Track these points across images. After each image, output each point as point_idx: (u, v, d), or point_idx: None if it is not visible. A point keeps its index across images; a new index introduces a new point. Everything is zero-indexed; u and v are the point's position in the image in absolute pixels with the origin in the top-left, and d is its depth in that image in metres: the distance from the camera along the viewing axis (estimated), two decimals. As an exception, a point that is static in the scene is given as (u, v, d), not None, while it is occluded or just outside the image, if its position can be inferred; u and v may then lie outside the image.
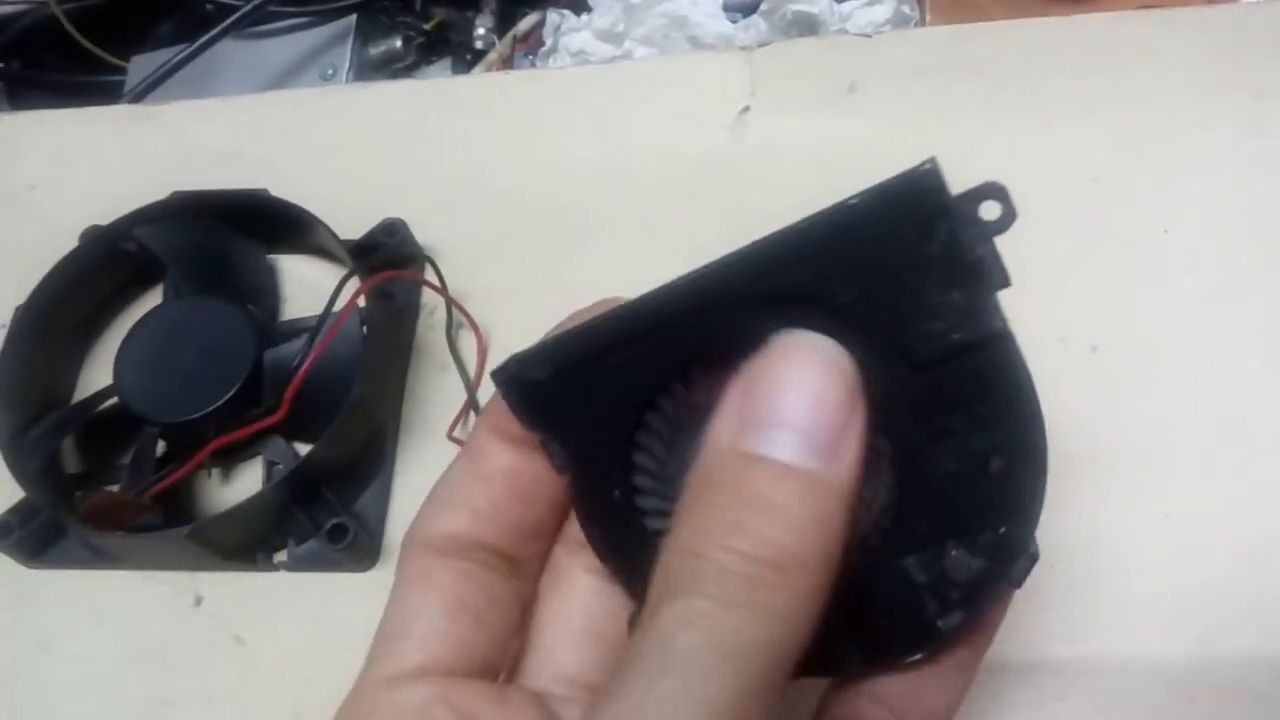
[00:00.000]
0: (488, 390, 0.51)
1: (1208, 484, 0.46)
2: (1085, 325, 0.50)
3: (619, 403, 0.31)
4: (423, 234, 0.55)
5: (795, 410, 0.26)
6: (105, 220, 0.56)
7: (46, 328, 0.54)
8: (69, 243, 0.56)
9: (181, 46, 0.74)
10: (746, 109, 0.57)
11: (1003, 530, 0.29)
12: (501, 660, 0.30)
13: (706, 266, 0.30)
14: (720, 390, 0.28)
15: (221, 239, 0.55)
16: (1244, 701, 0.43)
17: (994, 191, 0.29)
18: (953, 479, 0.29)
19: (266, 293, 0.55)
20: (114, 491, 0.50)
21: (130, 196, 0.56)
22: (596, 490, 0.31)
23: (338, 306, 0.50)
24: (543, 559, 0.32)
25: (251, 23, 0.75)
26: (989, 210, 0.29)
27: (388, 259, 0.53)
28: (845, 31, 0.63)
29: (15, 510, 0.50)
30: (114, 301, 0.58)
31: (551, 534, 0.33)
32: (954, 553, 0.29)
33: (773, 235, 0.30)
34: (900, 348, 0.28)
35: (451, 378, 0.53)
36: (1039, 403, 0.29)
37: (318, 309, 0.52)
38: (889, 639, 0.30)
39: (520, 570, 0.32)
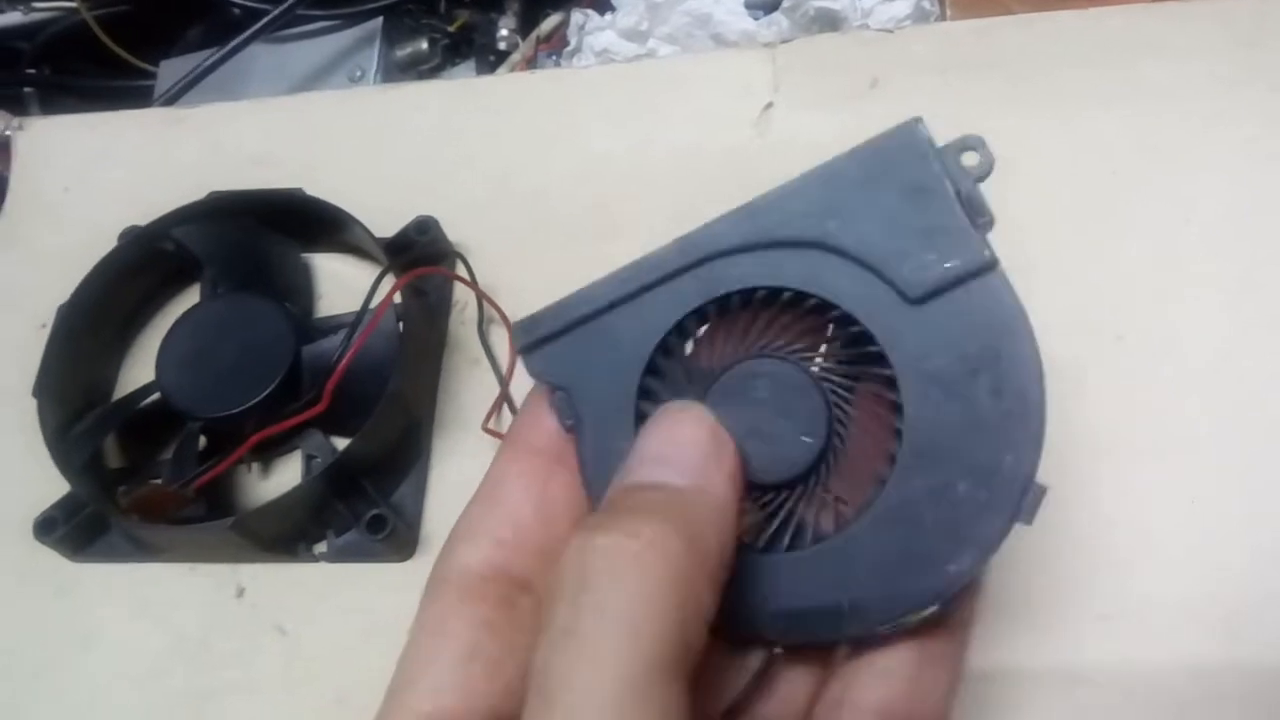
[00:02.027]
0: (520, 382, 0.52)
1: (1232, 470, 0.47)
2: (1110, 314, 0.50)
3: (626, 357, 0.33)
4: (452, 232, 0.56)
5: (656, 450, 0.30)
6: (141, 222, 0.57)
7: (88, 326, 0.56)
8: (104, 244, 0.57)
9: (211, 51, 0.75)
10: (770, 105, 0.58)
11: (1008, 460, 0.30)
12: (515, 710, 0.28)
13: (710, 222, 0.33)
14: (722, 346, 0.32)
15: (257, 238, 0.56)
16: (1271, 685, 0.44)
17: (974, 142, 0.32)
18: (956, 419, 0.30)
19: (302, 290, 0.57)
20: (158, 484, 0.51)
21: (163, 198, 0.58)
22: (602, 446, 0.32)
23: (374, 303, 0.51)
24: None
25: (279, 26, 0.75)
26: (970, 158, 0.32)
27: (420, 256, 0.54)
28: (867, 27, 0.64)
29: (60, 505, 0.51)
30: (153, 300, 0.59)
31: None
32: (962, 487, 0.30)
33: (772, 191, 0.33)
34: (899, 283, 0.31)
35: (484, 371, 0.54)
36: (1033, 333, 0.31)
37: (351, 306, 0.53)
38: (899, 593, 0.30)
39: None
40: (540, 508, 0.32)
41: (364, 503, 0.49)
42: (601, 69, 0.68)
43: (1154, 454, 0.48)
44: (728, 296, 0.32)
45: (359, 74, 0.76)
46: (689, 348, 0.34)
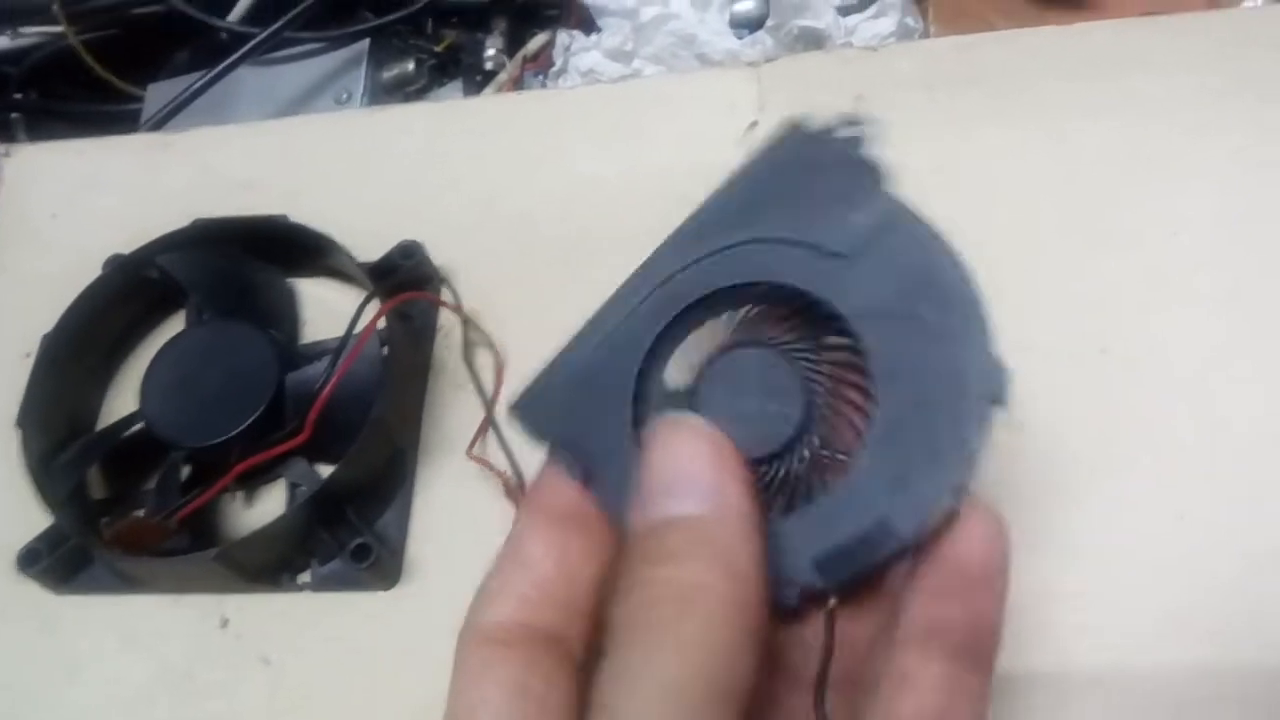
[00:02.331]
0: (506, 407, 0.52)
1: (1219, 485, 0.47)
2: (1095, 328, 0.50)
3: (613, 393, 0.36)
4: (437, 255, 0.56)
5: (665, 478, 0.31)
6: (127, 248, 0.57)
7: (72, 355, 0.55)
8: (91, 271, 0.57)
9: (198, 74, 0.75)
10: (755, 124, 0.58)
11: (969, 356, 0.33)
12: None
13: (654, 253, 0.37)
14: (696, 354, 0.35)
15: (242, 265, 0.56)
16: (1260, 702, 0.43)
17: (852, 118, 0.38)
18: (914, 341, 0.33)
19: (287, 316, 0.56)
20: (140, 516, 0.51)
21: (150, 224, 0.57)
22: (616, 481, 0.34)
23: (358, 329, 0.51)
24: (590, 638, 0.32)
25: (267, 49, 0.75)
26: (854, 130, 0.37)
27: (405, 280, 0.54)
28: (850, 45, 0.64)
29: (43, 537, 0.51)
30: (138, 328, 0.59)
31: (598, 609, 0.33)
32: (938, 393, 0.33)
33: (699, 209, 0.37)
34: (829, 248, 0.35)
35: (469, 396, 0.53)
36: (952, 247, 0.35)
37: (337, 331, 0.52)
38: (918, 495, 0.32)
39: (574, 652, 0.32)
40: (562, 565, 0.32)
41: (348, 531, 0.49)
42: (587, 90, 0.68)
43: (1141, 467, 0.47)
44: (686, 310, 0.36)
45: (346, 96, 0.76)
46: (670, 369, 0.36)
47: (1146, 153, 0.54)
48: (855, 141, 0.37)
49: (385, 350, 0.52)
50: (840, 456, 0.34)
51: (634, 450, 0.34)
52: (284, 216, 0.56)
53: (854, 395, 0.34)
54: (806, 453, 0.34)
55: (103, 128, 0.78)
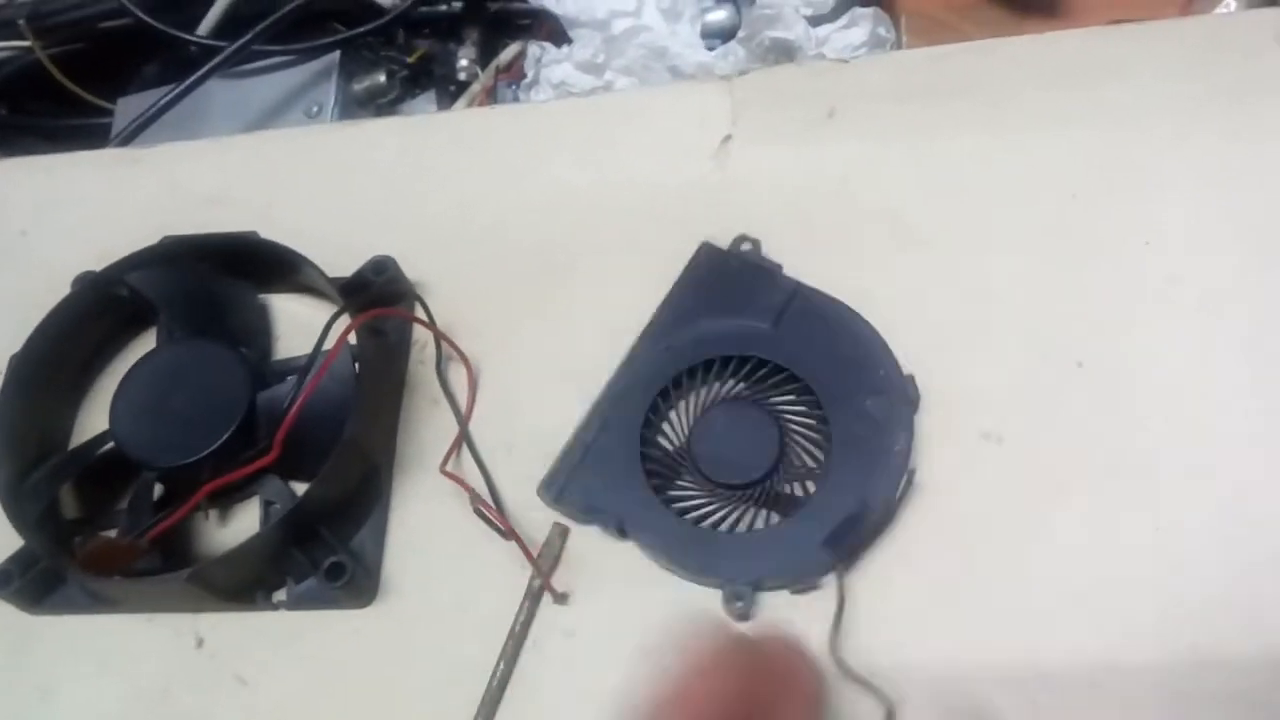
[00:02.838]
0: (479, 423, 0.52)
1: (1196, 493, 0.47)
2: (1070, 340, 0.50)
3: (625, 460, 0.49)
4: (411, 269, 0.56)
5: None
6: (97, 266, 0.57)
7: (41, 375, 0.55)
8: (61, 288, 0.57)
9: (168, 88, 0.74)
10: (728, 138, 0.58)
11: (883, 373, 0.50)
12: None
13: (626, 359, 0.52)
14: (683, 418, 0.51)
15: (212, 282, 0.56)
16: (1239, 711, 0.44)
17: (746, 238, 0.55)
18: (842, 370, 0.50)
19: (259, 333, 0.56)
20: (110, 537, 0.50)
21: (121, 240, 0.57)
22: (646, 533, 0.48)
23: (328, 345, 0.51)
24: None
25: (236, 62, 0.75)
26: (746, 244, 0.54)
27: (377, 296, 0.54)
28: (823, 56, 0.64)
29: (15, 559, 0.50)
30: (108, 347, 0.59)
31: None
32: (870, 403, 0.49)
33: (648, 325, 0.53)
34: (757, 321, 0.51)
35: (444, 412, 0.53)
36: (839, 300, 0.52)
37: (309, 347, 0.52)
38: (880, 479, 0.48)
39: None
40: None
41: (322, 550, 0.49)
42: (560, 103, 0.68)
43: (1116, 480, 0.47)
44: (664, 390, 0.50)
45: (317, 109, 0.75)
46: (666, 431, 0.51)
47: (1120, 161, 0.54)
48: (750, 253, 0.54)
49: (357, 367, 0.52)
50: (813, 466, 0.48)
51: (650, 499, 0.48)
52: (254, 233, 0.56)
53: (812, 421, 0.49)
54: (786, 471, 0.48)
55: (72, 141, 0.77)
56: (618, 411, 0.50)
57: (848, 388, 0.49)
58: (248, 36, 0.73)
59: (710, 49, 0.68)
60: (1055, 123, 0.55)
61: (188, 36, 0.76)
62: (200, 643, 0.51)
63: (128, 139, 0.74)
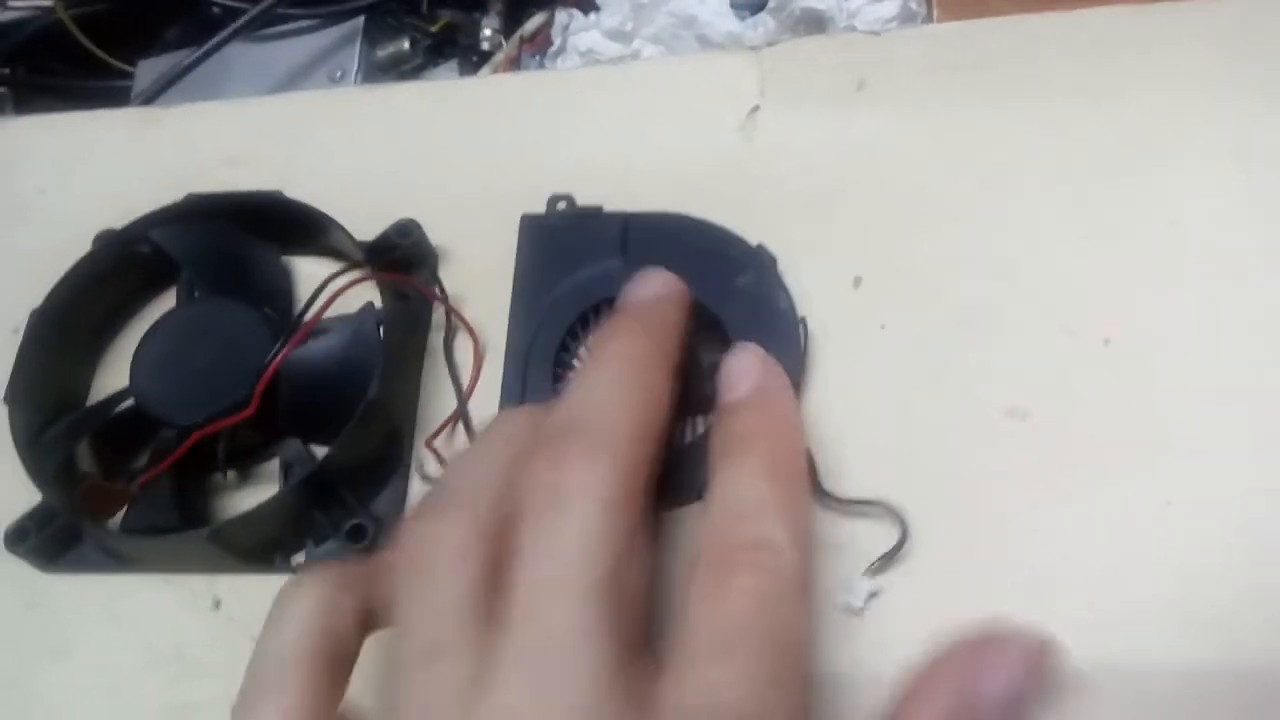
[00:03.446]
0: (479, 399, 0.52)
1: (1215, 473, 0.46)
2: (1097, 319, 0.50)
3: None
4: (431, 236, 0.55)
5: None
6: (117, 224, 0.56)
7: (62, 331, 0.54)
8: (79, 247, 0.56)
9: (189, 50, 0.74)
10: (756, 108, 0.57)
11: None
12: None
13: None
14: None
15: (237, 241, 0.55)
16: (1254, 689, 0.43)
17: (561, 197, 0.56)
18: (697, 258, 0.52)
19: (282, 294, 0.55)
20: (100, 478, 0.50)
21: (140, 200, 0.57)
22: None
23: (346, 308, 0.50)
24: None
25: (259, 25, 0.75)
26: (563, 201, 0.56)
27: (402, 259, 0.53)
28: (853, 28, 0.63)
29: (32, 515, 0.50)
30: (129, 304, 0.58)
31: None
32: (739, 280, 0.52)
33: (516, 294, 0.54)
34: (612, 255, 0.53)
35: (482, 382, 0.53)
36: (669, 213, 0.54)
37: (335, 310, 0.52)
38: None
39: None
40: None
41: (343, 512, 0.48)
42: (585, 71, 0.67)
43: (1142, 457, 0.47)
44: (553, 366, 0.51)
45: (339, 74, 0.75)
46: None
47: (1148, 139, 0.53)
48: (572, 204, 0.55)
49: (381, 330, 0.51)
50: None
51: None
52: (279, 192, 0.55)
53: (701, 323, 0.49)
54: (700, 374, 0.47)
55: (92, 103, 0.76)
56: (527, 397, 0.50)
57: (713, 279, 0.50)
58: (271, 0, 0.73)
59: (740, 18, 0.67)
60: (1084, 99, 0.55)
61: (211, -1, 0.75)
62: (217, 604, 0.50)
63: (148, 100, 0.74)
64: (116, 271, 0.56)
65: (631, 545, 0.36)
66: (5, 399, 0.52)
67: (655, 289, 0.45)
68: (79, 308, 0.55)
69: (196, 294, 0.54)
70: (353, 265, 0.53)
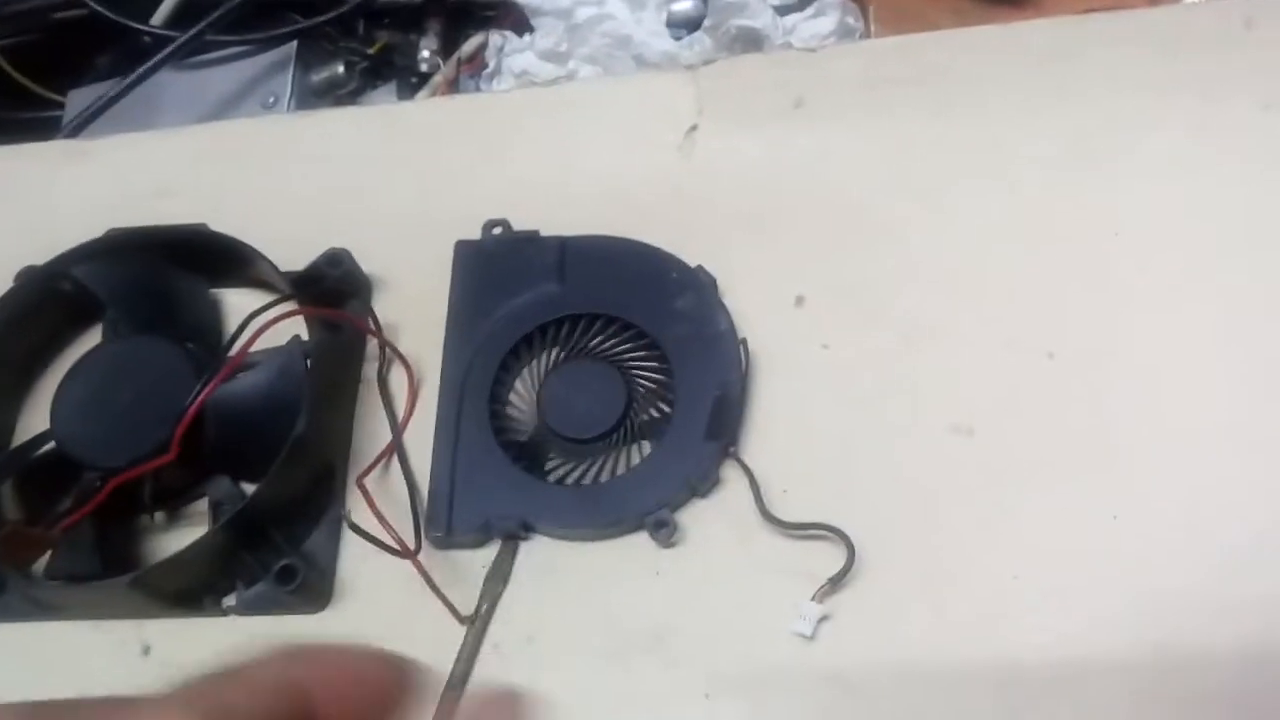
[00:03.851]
0: (414, 432, 0.50)
1: (1163, 488, 0.46)
2: (1041, 332, 0.49)
3: (498, 472, 0.49)
4: (364, 265, 0.54)
5: None
6: (41, 260, 0.55)
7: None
8: (3, 283, 0.55)
9: (119, 79, 0.73)
10: (694, 128, 0.57)
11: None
12: None
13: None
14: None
15: (163, 276, 0.54)
16: (1203, 700, 0.43)
17: (496, 222, 0.54)
18: (634, 281, 0.52)
19: (209, 330, 0.54)
20: (22, 525, 0.49)
21: (66, 234, 0.55)
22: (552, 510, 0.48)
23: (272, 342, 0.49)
24: None
25: (189, 53, 0.73)
26: (499, 226, 0.54)
27: (333, 290, 0.52)
28: (790, 45, 0.63)
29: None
30: (52, 343, 0.57)
31: None
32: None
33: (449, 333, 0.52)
34: (549, 280, 0.52)
35: (417, 415, 0.51)
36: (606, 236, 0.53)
37: (264, 343, 0.50)
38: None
39: None
40: None
41: (273, 553, 0.47)
42: (521, 93, 0.66)
43: (1084, 471, 0.46)
44: (493, 389, 0.50)
45: (273, 100, 0.73)
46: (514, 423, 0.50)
47: (1089, 151, 0.53)
48: (507, 229, 0.54)
49: (309, 363, 0.50)
50: (660, 383, 0.50)
51: (536, 486, 0.48)
52: (203, 225, 0.54)
53: (640, 348, 0.50)
54: (639, 400, 0.49)
55: (23, 134, 0.75)
56: (463, 428, 0.49)
57: (653, 302, 0.50)
58: (200, 26, 0.71)
59: (676, 38, 0.66)
60: (1024, 113, 0.54)
61: (141, 26, 0.74)
62: (147, 650, 0.49)
63: (75, 131, 0.72)
64: (38, 310, 0.55)
65: None
66: None
67: None
68: (0, 347, 0.53)
69: (121, 330, 0.53)
70: (282, 299, 0.51)
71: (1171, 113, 0.53)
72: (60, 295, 0.54)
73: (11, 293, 0.54)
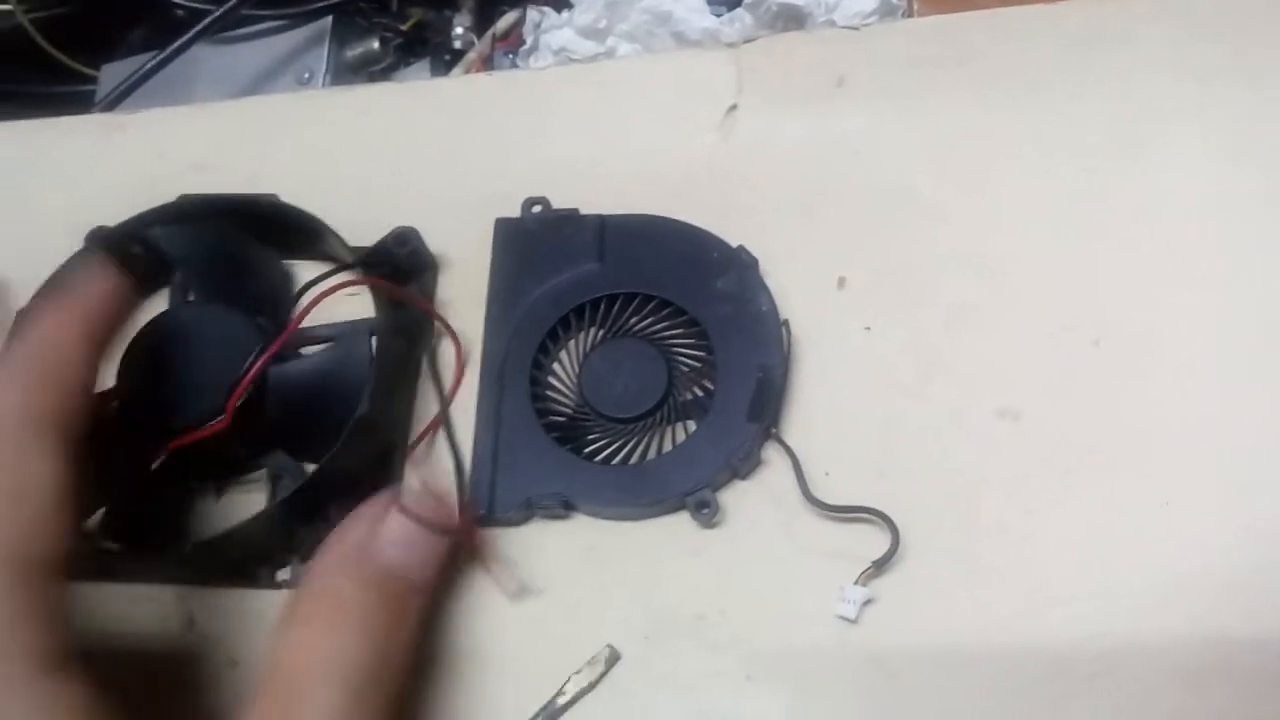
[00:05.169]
0: (460, 405, 0.51)
1: (1210, 471, 0.46)
2: (1087, 318, 0.49)
3: (540, 451, 0.49)
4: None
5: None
6: (79, 232, 0.54)
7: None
8: (41, 254, 0.54)
9: (153, 53, 0.73)
10: (734, 107, 0.57)
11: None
12: None
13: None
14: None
15: (237, 244, 0.54)
16: (1256, 685, 0.43)
17: (535, 200, 0.55)
18: (675, 261, 0.52)
19: (280, 302, 0.54)
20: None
21: (105, 206, 0.55)
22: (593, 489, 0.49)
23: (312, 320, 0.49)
24: None
25: (224, 27, 0.73)
26: (538, 205, 0.55)
27: (399, 269, 0.52)
28: (832, 23, 0.62)
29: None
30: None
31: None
32: (719, 283, 0.51)
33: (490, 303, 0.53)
34: (588, 259, 0.52)
35: (464, 390, 0.52)
36: (645, 215, 0.54)
37: (331, 318, 0.51)
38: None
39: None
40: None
41: (328, 528, 0.47)
42: (559, 70, 0.66)
43: (1133, 457, 0.47)
44: (535, 368, 0.50)
45: (308, 75, 0.73)
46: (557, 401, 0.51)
47: (1136, 134, 0.53)
48: (547, 207, 0.54)
49: (374, 342, 0.50)
50: (702, 361, 0.50)
51: (577, 464, 0.48)
52: (274, 195, 0.54)
53: (679, 327, 0.51)
54: (681, 379, 0.50)
55: (57, 109, 0.75)
56: (504, 406, 0.50)
57: (694, 282, 0.51)
58: (235, 0, 0.71)
59: (716, 15, 0.66)
60: (1069, 93, 0.54)
61: (176, 0, 0.74)
62: (191, 623, 0.49)
63: (110, 105, 0.72)
64: None
65: None
66: None
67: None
68: None
69: (191, 297, 0.53)
70: (342, 267, 0.51)
71: (1219, 94, 0.53)
72: (130, 258, 0.53)
73: (80, 254, 0.53)
